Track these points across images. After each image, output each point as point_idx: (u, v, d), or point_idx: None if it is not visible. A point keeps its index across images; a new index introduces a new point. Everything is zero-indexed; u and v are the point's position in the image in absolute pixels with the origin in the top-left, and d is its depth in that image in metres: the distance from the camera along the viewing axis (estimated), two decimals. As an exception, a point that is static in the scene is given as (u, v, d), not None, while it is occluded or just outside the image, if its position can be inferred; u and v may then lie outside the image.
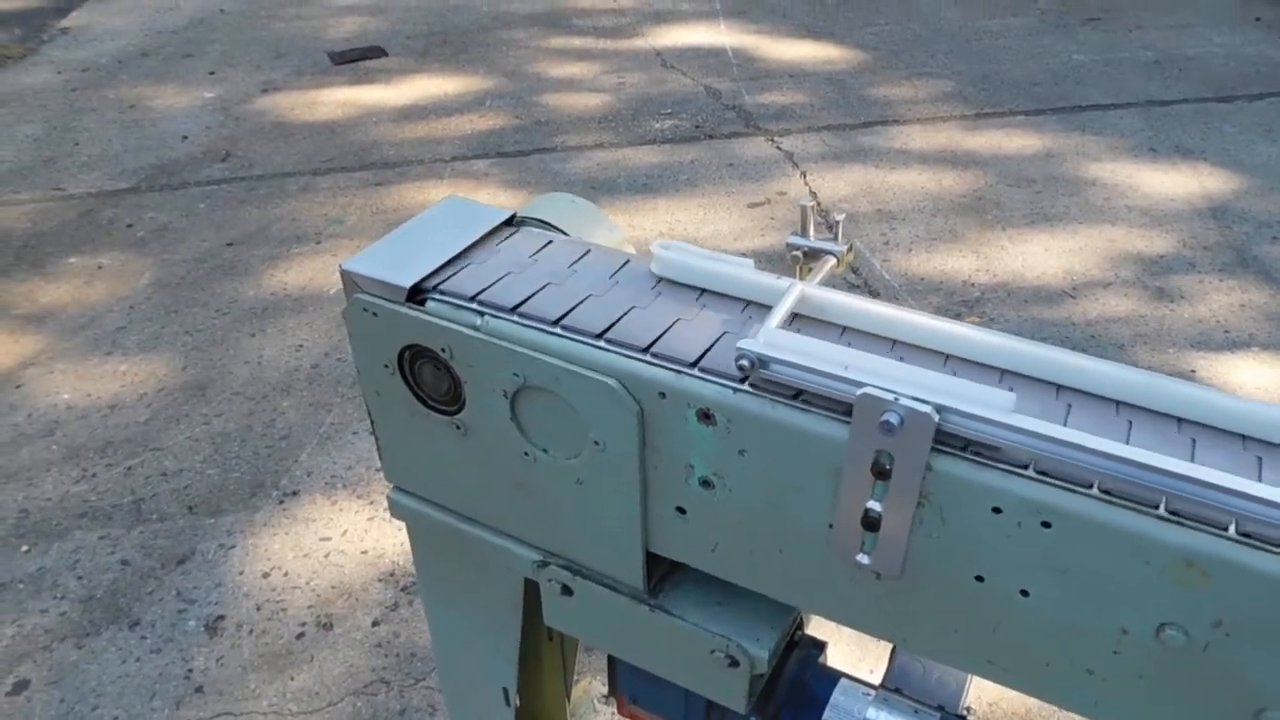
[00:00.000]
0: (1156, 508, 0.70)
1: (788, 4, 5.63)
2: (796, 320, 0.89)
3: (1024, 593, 0.77)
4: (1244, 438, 0.76)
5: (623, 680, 1.19)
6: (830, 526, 0.83)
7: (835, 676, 1.13)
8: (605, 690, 1.85)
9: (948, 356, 0.85)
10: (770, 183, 3.67)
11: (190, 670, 1.93)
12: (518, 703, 1.36)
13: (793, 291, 0.87)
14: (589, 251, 1.02)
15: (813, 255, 0.97)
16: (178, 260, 3.28)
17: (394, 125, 4.19)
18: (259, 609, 2.05)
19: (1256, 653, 0.70)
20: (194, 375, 2.74)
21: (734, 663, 0.97)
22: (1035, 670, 0.82)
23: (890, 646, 1.28)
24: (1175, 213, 3.50)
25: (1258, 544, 0.67)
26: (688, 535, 0.93)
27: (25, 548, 2.20)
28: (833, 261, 0.97)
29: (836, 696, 1.09)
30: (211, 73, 4.77)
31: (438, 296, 0.96)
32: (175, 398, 2.65)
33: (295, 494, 2.33)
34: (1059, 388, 0.81)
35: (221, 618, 2.03)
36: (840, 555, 0.83)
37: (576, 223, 1.11)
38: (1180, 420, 0.78)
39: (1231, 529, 0.68)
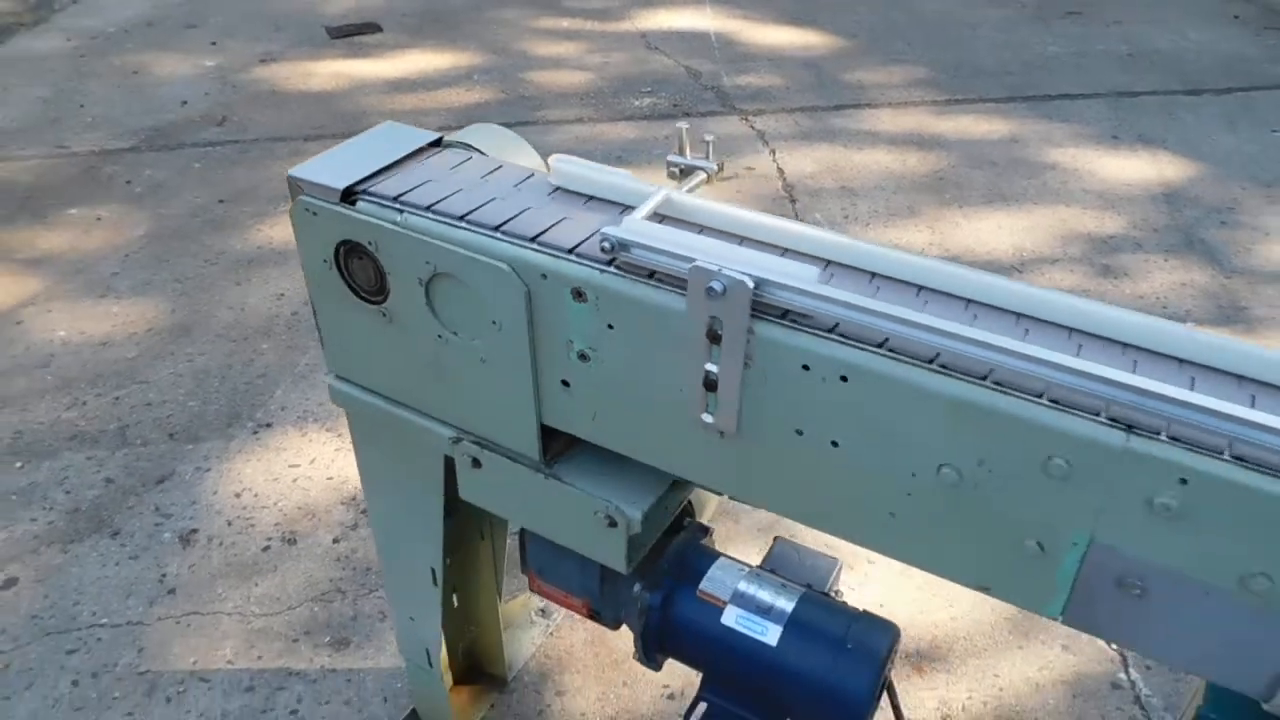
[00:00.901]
0: (930, 361, 0.85)
1: (776, -9, 5.77)
2: (666, 221, 1.05)
3: (834, 444, 0.93)
4: (1018, 315, 0.92)
5: (531, 557, 1.35)
6: (680, 391, 0.99)
7: (715, 555, 1.29)
8: (542, 606, 2.02)
9: (786, 251, 1.01)
10: (740, 159, 3.82)
11: (164, 575, 2.10)
12: (454, 603, 1.52)
13: (659, 194, 1.03)
14: (493, 165, 1.18)
15: (688, 171, 1.13)
16: (171, 214, 3.44)
17: (384, 96, 4.34)
18: (229, 524, 2.21)
19: (1013, 488, 0.85)
20: (181, 318, 2.90)
21: (612, 523, 1.13)
22: (851, 517, 0.98)
23: (772, 536, 1.44)
24: (1130, 196, 3.65)
25: (1007, 390, 0.82)
26: (571, 406, 1.09)
27: (19, 464, 2.37)
28: (703, 176, 1.12)
29: (713, 570, 1.25)
30: (213, 43, 4.93)
31: (366, 198, 1.12)
32: (162, 337, 2.82)
33: (269, 425, 2.49)
34: (872, 275, 0.97)
35: (195, 531, 2.20)
36: (689, 415, 0.99)
37: (497, 147, 1.27)
38: (968, 301, 0.94)
39: (988, 378, 0.83)
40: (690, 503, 1.36)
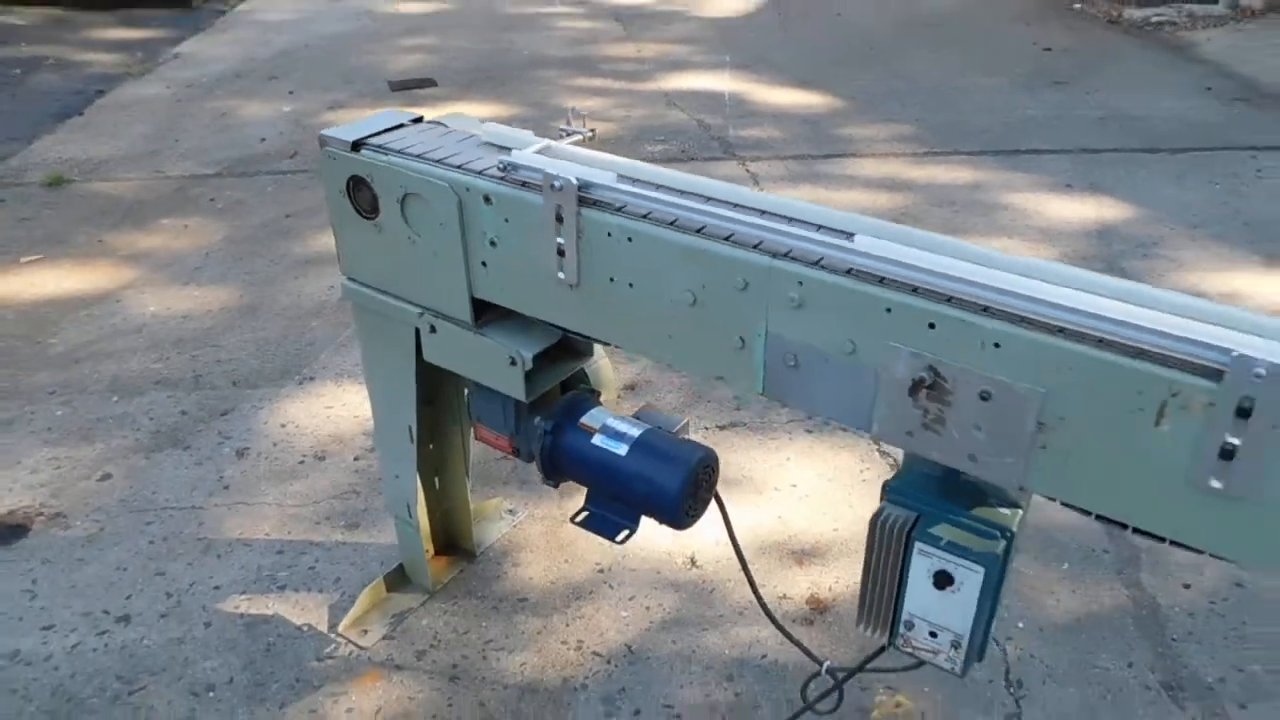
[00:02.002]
0: (673, 224, 1.41)
1: (789, 61, 6.44)
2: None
3: (630, 285, 1.49)
4: (715, 199, 1.46)
5: (473, 409, 1.91)
6: (546, 259, 1.55)
7: (596, 404, 1.84)
8: (511, 507, 2.56)
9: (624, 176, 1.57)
10: (729, 193, 4.41)
11: (221, 477, 2.69)
12: (435, 485, 2.08)
13: (540, 142, 1.61)
14: (447, 129, 1.78)
15: (570, 134, 1.72)
16: (246, 225, 4.15)
17: (432, 137, 5.05)
18: (275, 445, 2.81)
19: (721, 302, 1.39)
20: (249, 301, 3.56)
21: (514, 362, 1.69)
22: (651, 340, 1.52)
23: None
24: (1068, 232, 4.14)
25: (716, 239, 1.37)
26: (490, 280, 1.66)
27: (115, 399, 3.02)
28: (580, 136, 1.71)
29: (593, 411, 1.80)
30: (290, 92, 5.74)
31: (367, 147, 1.72)
32: (233, 314, 3.48)
33: (312, 378, 3.11)
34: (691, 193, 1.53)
35: (248, 448, 2.80)
36: (552, 276, 1.55)
37: (461, 124, 1.87)
38: (680, 191, 1.48)
39: (704, 230, 1.38)
40: (587, 376, 1.91)
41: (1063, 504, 1.25)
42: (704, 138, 5.13)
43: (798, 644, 1.89)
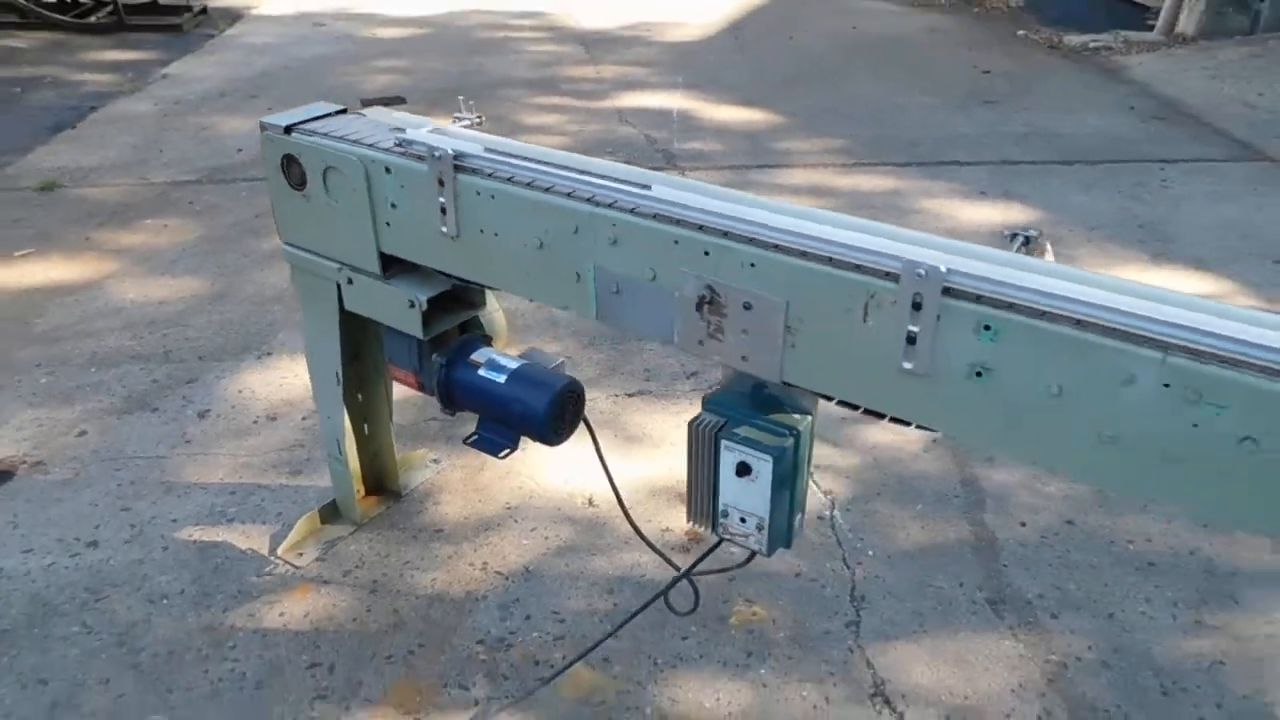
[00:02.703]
0: (509, 180, 1.77)
1: (740, 82, 6.86)
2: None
3: (495, 234, 1.85)
4: (559, 165, 1.83)
5: (386, 351, 2.26)
6: (433, 216, 1.92)
7: (486, 346, 2.20)
8: (435, 457, 2.91)
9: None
10: (666, 198, 4.80)
11: (184, 433, 3.05)
12: (365, 431, 2.43)
13: (431, 124, 1.99)
14: (365, 118, 2.16)
15: (461, 119, 2.09)
16: (221, 225, 4.52)
17: (397, 148, 5.44)
18: (233, 408, 3.17)
19: (562, 244, 1.75)
20: (218, 289, 3.93)
21: (412, 305, 2.05)
22: (514, 279, 1.88)
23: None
24: (974, 232, 4.52)
25: (558, 195, 1.74)
26: (392, 236, 2.02)
27: (93, 369, 3.37)
28: (469, 121, 2.08)
29: (481, 349, 2.16)
30: (269, 109, 6.12)
31: (297, 130, 2.10)
32: (203, 300, 3.84)
33: (270, 354, 3.47)
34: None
35: (209, 410, 3.16)
36: (436, 229, 1.92)
37: (375, 115, 2.24)
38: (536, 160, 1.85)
39: (533, 183, 1.75)
40: (482, 325, 2.28)
41: (813, 393, 1.60)
42: (649, 150, 5.53)
43: (655, 548, 2.24)
